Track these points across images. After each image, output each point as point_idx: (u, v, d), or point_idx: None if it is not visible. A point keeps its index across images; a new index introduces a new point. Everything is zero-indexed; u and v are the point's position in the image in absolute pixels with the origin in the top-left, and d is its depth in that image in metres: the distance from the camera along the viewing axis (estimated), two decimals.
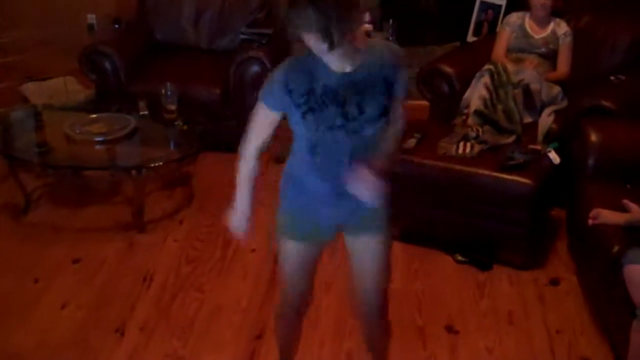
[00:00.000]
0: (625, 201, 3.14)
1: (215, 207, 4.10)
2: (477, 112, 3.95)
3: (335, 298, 3.36)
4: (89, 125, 4.09)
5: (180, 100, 4.16)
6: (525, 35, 4.30)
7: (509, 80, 4.00)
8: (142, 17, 5.25)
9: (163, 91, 4.11)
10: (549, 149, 3.65)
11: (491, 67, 4.06)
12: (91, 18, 5.73)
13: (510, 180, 3.45)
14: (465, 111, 4.02)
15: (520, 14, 4.37)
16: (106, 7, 5.62)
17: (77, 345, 3.10)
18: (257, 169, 2.27)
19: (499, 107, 3.96)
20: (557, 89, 4.12)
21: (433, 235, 3.77)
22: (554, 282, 3.51)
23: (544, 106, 4.03)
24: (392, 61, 2.14)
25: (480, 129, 3.84)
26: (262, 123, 2.20)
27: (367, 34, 4.97)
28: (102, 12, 5.64)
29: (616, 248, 2.88)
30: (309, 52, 2.02)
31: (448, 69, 4.33)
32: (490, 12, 5.26)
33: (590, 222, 3.13)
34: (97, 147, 4.01)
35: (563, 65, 4.27)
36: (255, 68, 4.57)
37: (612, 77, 4.12)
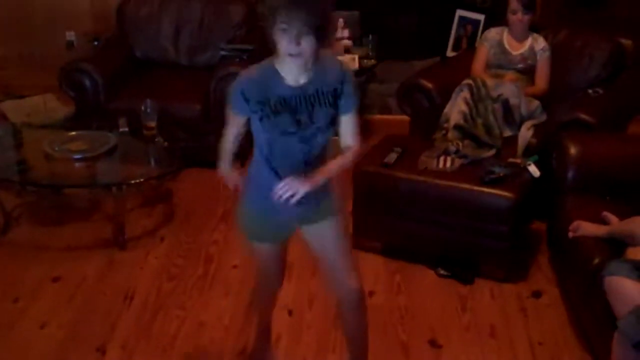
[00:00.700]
0: (605, 213, 3.17)
1: (196, 223, 4.08)
2: (457, 127, 3.97)
3: (318, 314, 3.34)
4: (68, 142, 4.06)
5: (160, 116, 4.13)
6: (504, 51, 4.33)
7: (488, 95, 4.03)
8: (121, 33, 5.24)
9: (143, 108, 4.08)
10: (529, 162, 3.67)
11: (470, 81, 4.08)
12: (70, 35, 5.70)
13: (490, 194, 3.47)
14: (445, 125, 4.04)
15: (498, 29, 4.40)
16: (85, 24, 5.61)
17: None
18: (236, 145, 2.46)
19: (479, 121, 3.99)
20: (536, 103, 4.15)
21: (415, 250, 3.77)
22: (536, 294, 3.52)
23: (523, 120, 4.06)
24: (339, 77, 2.30)
25: (460, 143, 3.86)
26: (232, 121, 2.41)
27: (347, 50, 5.01)
28: (81, 29, 5.62)
29: (597, 260, 2.90)
30: (269, 61, 2.27)
31: (428, 84, 4.35)
32: (469, 27, 5.32)
33: (570, 234, 3.16)
34: (77, 164, 3.98)
35: (541, 80, 4.30)
36: None
37: (590, 91, 4.16)
